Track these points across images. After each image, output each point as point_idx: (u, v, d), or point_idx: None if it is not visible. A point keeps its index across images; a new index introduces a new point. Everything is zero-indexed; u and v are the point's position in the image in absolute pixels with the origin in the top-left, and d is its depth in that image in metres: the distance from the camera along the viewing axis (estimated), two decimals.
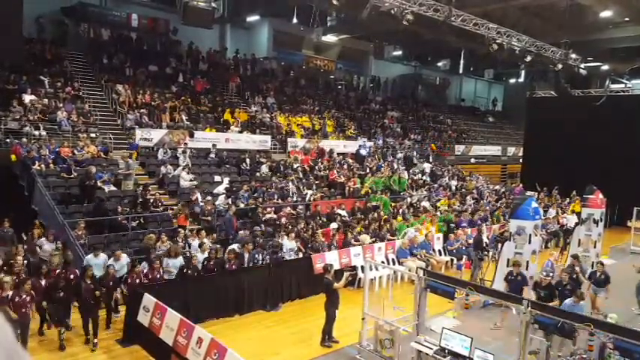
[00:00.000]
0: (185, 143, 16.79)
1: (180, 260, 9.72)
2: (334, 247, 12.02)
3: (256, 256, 10.38)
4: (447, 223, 15.44)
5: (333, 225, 13.56)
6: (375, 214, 15.02)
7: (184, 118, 18.17)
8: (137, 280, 8.75)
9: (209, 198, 13.67)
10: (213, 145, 17.30)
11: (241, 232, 12.27)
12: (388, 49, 33.01)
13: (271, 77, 25.64)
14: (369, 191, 17.86)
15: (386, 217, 15.05)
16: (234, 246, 10.97)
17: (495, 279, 10.97)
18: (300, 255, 11.46)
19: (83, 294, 8.01)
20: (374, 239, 13.12)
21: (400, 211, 16.22)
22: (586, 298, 8.78)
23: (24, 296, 7.34)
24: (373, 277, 10.99)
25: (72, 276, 8.44)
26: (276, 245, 11.19)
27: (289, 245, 11.41)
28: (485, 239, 14.61)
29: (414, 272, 8.28)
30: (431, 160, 25.18)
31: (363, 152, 22.27)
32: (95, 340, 8.05)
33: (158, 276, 9.08)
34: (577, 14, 20.94)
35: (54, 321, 8.16)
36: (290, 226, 12.60)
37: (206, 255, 10.10)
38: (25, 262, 9.03)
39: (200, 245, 10.55)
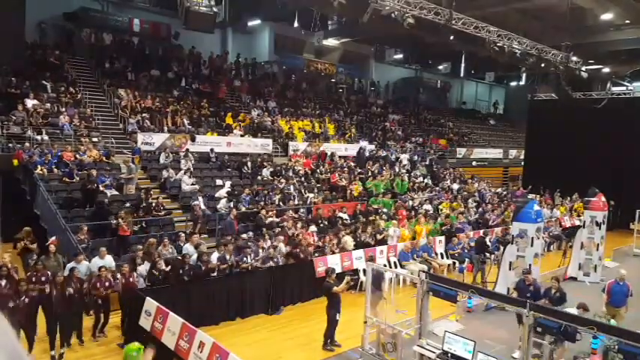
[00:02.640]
0: (187, 149, 16.79)
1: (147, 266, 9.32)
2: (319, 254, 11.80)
3: (244, 258, 10.20)
4: (442, 227, 15.21)
5: (312, 228, 13.36)
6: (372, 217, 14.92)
7: (186, 122, 18.23)
8: (106, 284, 8.40)
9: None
10: (212, 150, 17.34)
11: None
12: (389, 52, 33.18)
13: (272, 81, 25.70)
14: (360, 192, 17.84)
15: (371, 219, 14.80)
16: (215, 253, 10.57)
17: (498, 282, 10.95)
18: (291, 261, 11.14)
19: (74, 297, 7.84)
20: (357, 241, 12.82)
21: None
22: None
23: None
24: None
25: (43, 278, 7.99)
26: (255, 248, 10.88)
27: (286, 249, 11.33)
28: (487, 242, 14.59)
29: (416, 275, 8.25)
30: (431, 161, 25.16)
31: (365, 146, 22.46)
32: (62, 351, 7.71)
33: (132, 280, 8.74)
34: (577, 17, 20.93)
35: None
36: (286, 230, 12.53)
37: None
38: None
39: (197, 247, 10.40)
